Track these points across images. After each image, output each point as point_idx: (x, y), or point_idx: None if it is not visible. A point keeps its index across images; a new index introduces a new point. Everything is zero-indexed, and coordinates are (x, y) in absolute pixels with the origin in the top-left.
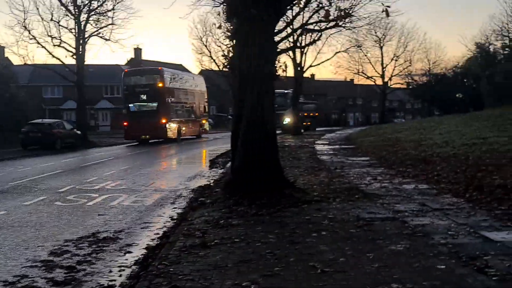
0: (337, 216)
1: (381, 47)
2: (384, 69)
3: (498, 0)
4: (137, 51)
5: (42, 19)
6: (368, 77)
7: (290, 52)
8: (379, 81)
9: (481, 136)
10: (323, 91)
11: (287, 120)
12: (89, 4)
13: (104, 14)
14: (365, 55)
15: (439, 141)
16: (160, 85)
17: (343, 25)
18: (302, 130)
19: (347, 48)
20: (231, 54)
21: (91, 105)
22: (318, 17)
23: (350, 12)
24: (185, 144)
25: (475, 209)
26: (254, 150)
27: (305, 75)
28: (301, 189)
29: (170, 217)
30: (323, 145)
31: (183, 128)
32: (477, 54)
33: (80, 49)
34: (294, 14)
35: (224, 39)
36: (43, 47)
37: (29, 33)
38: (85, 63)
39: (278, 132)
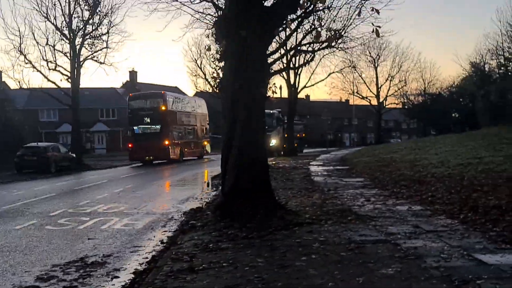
0: (328, 239)
1: (375, 67)
2: (379, 89)
3: (492, 20)
4: (132, 74)
5: (38, 43)
6: (363, 98)
7: (284, 73)
8: (374, 101)
9: (476, 156)
10: (318, 111)
11: (273, 141)
12: (84, 28)
13: (99, 37)
14: (360, 76)
15: (434, 161)
16: (163, 108)
17: (336, 45)
18: (282, 152)
19: (341, 69)
20: (221, 76)
21: (87, 128)
22: (311, 38)
23: (342, 33)
24: (184, 165)
25: (469, 230)
26: (244, 172)
27: (300, 96)
28: (293, 211)
29: (160, 241)
30: (317, 166)
31: (185, 150)
32: (472, 73)
33: (75, 73)
34: (287, 35)
35: (213, 61)
36: (38, 71)
37: (25, 57)
38: (80, 86)
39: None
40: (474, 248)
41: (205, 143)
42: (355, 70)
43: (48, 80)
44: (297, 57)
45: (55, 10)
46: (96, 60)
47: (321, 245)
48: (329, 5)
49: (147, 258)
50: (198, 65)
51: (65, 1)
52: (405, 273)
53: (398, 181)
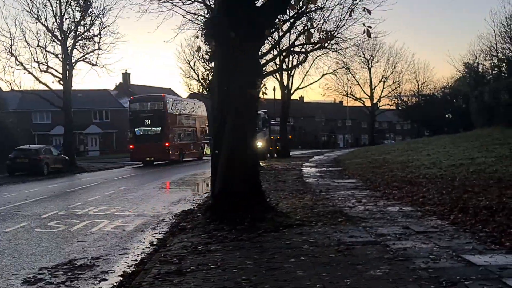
0: (318, 241)
1: (369, 69)
2: (372, 91)
3: (486, 20)
4: (125, 75)
5: (29, 45)
6: (356, 99)
7: (277, 75)
8: (368, 103)
9: (468, 157)
10: (312, 113)
11: (259, 144)
12: (75, 29)
13: (91, 39)
14: (353, 77)
15: (427, 162)
16: (163, 110)
17: (329, 46)
18: (275, 154)
19: (335, 70)
20: (211, 77)
21: (80, 130)
22: (304, 39)
23: (335, 34)
24: (182, 167)
25: (459, 231)
26: (234, 175)
27: (293, 97)
28: (283, 213)
29: (150, 243)
30: (310, 167)
31: (185, 151)
32: (465, 74)
33: (67, 74)
34: (279, 36)
35: (203, 62)
36: (30, 72)
37: (16, 59)
38: (73, 88)
39: None
40: (463, 249)
41: (205, 144)
42: (349, 71)
43: (40, 82)
44: (290, 58)
45: (46, 11)
46: (88, 62)
47: (311, 247)
48: (321, 6)
49: (136, 260)
50: (191, 67)
51: (56, 2)
52: (393, 275)
53: (390, 182)
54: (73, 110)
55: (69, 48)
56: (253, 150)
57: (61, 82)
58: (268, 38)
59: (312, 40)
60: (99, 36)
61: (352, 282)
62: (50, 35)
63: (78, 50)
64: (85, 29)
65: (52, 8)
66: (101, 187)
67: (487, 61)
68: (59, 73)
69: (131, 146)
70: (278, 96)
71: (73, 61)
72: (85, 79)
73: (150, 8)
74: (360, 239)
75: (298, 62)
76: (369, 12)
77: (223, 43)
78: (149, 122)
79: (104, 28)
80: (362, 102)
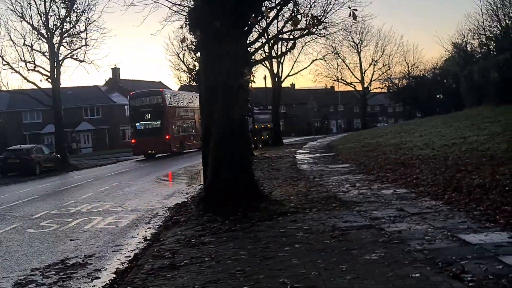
0: (312, 227)
1: (358, 53)
2: (363, 75)
3: None
4: (115, 70)
5: (15, 44)
6: (347, 83)
7: (267, 63)
8: (359, 87)
9: (461, 136)
10: (304, 99)
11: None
12: (61, 26)
13: (77, 35)
14: (343, 62)
15: (419, 144)
16: (162, 104)
17: (317, 32)
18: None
19: (324, 56)
20: (198, 67)
21: (71, 128)
22: (291, 25)
23: (322, 19)
24: (181, 158)
25: (453, 211)
26: (225, 165)
27: (284, 85)
28: (277, 201)
29: (143, 238)
30: (303, 154)
31: (186, 142)
32: (454, 54)
33: (55, 72)
34: (267, 24)
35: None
36: (17, 72)
37: (2, 59)
38: (62, 85)
39: None
40: (458, 229)
41: None
42: (338, 56)
43: (28, 81)
44: (279, 46)
45: (30, 9)
46: (75, 58)
47: (305, 234)
48: None
49: (129, 256)
50: (180, 59)
51: (41, 0)
52: (388, 258)
53: (383, 165)
54: (63, 107)
55: (56, 46)
56: (244, 139)
57: (50, 80)
58: (256, 26)
59: (299, 26)
60: (85, 32)
61: (347, 268)
62: (36, 33)
63: (65, 47)
64: (71, 26)
65: (37, 5)
66: (94, 184)
67: (476, 40)
68: (47, 71)
69: (132, 141)
70: (269, 84)
71: (60, 58)
72: (73, 76)
73: (135, 1)
74: (354, 224)
75: (287, 49)
76: None
77: (209, 33)
78: (149, 117)
79: (90, 23)
80: (353, 86)
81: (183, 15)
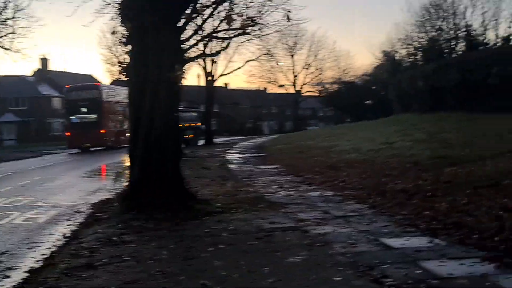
0: (238, 228)
1: (292, 56)
2: (295, 78)
3: (402, 10)
4: (44, 61)
5: None
6: (280, 86)
7: (201, 61)
8: (291, 90)
9: (387, 141)
10: (237, 100)
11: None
12: None
13: (4, 22)
14: (277, 64)
15: (348, 147)
16: (99, 99)
17: (252, 33)
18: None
19: (258, 57)
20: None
21: None
22: (227, 24)
23: (257, 20)
24: (114, 153)
25: (377, 215)
26: (153, 162)
27: (219, 84)
28: (204, 200)
29: (62, 235)
30: (234, 154)
31: (121, 137)
32: (384, 62)
33: None
34: (202, 21)
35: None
36: None
37: None
38: None
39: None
40: (381, 233)
41: None
42: (272, 58)
43: None
44: (214, 44)
45: None
46: (1, 47)
47: (230, 235)
48: None
49: (45, 254)
50: (112, 52)
51: None
52: (311, 261)
53: (311, 167)
54: None
55: None
56: (173, 136)
57: None
58: (191, 23)
59: (234, 25)
60: (13, 19)
61: (270, 270)
62: None
63: None
64: None
65: None
66: (14, 177)
67: (404, 49)
68: None
69: (67, 134)
70: (203, 82)
71: None
72: None
73: None
74: (280, 225)
75: (221, 48)
76: None
77: (140, 26)
78: (85, 110)
79: (18, 11)
80: (285, 89)
81: (116, 7)
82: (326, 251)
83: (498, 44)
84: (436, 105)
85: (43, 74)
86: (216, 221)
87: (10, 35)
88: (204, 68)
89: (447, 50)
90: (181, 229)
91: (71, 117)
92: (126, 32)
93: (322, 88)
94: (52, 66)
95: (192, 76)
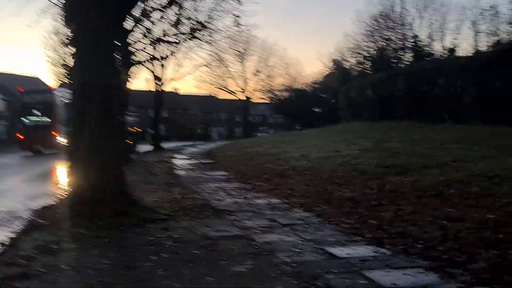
0: (182, 236)
1: (243, 62)
2: (246, 84)
3: (352, 20)
4: None
5: None
6: (230, 92)
7: (150, 65)
8: (241, 96)
9: (335, 150)
10: (187, 105)
11: (61, 139)
12: None
13: None
14: (228, 70)
15: (296, 155)
16: (52, 103)
17: (201, 37)
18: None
19: (208, 63)
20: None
21: None
22: (177, 29)
23: (207, 25)
24: (64, 157)
25: (323, 223)
26: (96, 167)
27: (168, 89)
28: (149, 207)
29: None
30: (182, 160)
31: None
32: (334, 71)
33: None
34: (151, 24)
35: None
36: None
37: None
38: None
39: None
40: (327, 241)
41: None
42: (223, 64)
43: None
44: (163, 48)
45: None
46: None
47: (174, 243)
48: None
49: None
50: (59, 55)
51: None
52: (256, 271)
53: (260, 174)
54: None
55: None
56: (117, 140)
57: None
58: (140, 25)
59: (183, 29)
60: None
61: (213, 280)
62: None
63: None
64: None
65: None
66: None
67: (354, 59)
68: None
69: (21, 137)
70: (153, 87)
71: None
72: None
73: None
74: (226, 234)
75: (171, 52)
76: (239, 1)
77: (85, 27)
78: (39, 113)
79: None
80: (235, 95)
81: (60, 7)
82: (271, 260)
83: (444, 56)
84: (384, 114)
85: None
86: (160, 229)
87: None
88: (153, 72)
89: (395, 60)
90: (124, 237)
91: (24, 120)
92: (71, 34)
93: (273, 95)
94: None
95: (142, 80)
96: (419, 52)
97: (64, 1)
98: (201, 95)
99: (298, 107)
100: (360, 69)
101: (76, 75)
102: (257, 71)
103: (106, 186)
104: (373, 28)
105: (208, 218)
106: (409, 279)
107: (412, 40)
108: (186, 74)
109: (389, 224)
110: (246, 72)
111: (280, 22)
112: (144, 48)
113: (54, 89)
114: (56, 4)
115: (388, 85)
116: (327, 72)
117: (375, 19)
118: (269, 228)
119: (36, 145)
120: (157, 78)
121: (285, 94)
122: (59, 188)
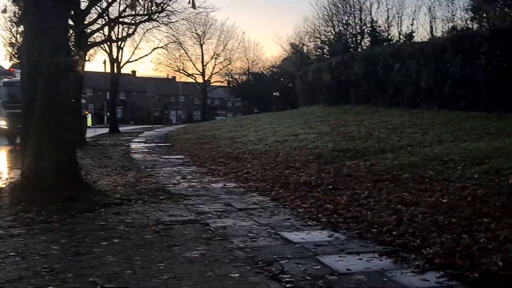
0: (135, 221)
1: (201, 45)
2: (204, 67)
3: (311, 3)
4: None
5: None
6: (188, 75)
7: (106, 47)
8: (200, 79)
9: (292, 133)
10: (144, 88)
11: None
12: None
13: None
14: (186, 53)
15: (253, 138)
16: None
17: (158, 19)
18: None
19: (166, 45)
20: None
21: None
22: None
23: (164, 6)
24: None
25: (279, 207)
26: (46, 149)
27: (125, 71)
28: (102, 191)
29: None
30: (139, 143)
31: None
32: (292, 55)
33: None
34: (107, 4)
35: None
36: None
37: None
38: None
39: None
40: (282, 226)
41: None
42: (181, 46)
43: None
44: (119, 30)
45: None
46: None
47: (126, 228)
48: None
49: None
50: (13, 34)
51: None
52: (209, 256)
53: (216, 158)
54: None
55: None
56: (67, 123)
57: None
58: (96, 7)
59: (139, 11)
60: None
61: (165, 266)
62: None
63: None
64: None
65: None
66: None
67: (312, 43)
68: None
69: None
70: (109, 69)
71: None
72: None
73: None
74: (179, 218)
75: (127, 34)
76: None
77: (33, 4)
78: None
79: None
80: (194, 78)
81: None
82: (225, 246)
83: (401, 41)
84: (341, 98)
85: None
86: (112, 213)
87: None
88: (110, 54)
89: (353, 45)
90: (75, 222)
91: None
92: (19, 12)
93: (231, 79)
94: None
95: (100, 62)
96: (377, 37)
97: None
98: (159, 77)
99: (257, 91)
100: (318, 53)
101: (25, 55)
102: (216, 54)
103: (57, 170)
104: (332, 13)
105: (162, 202)
106: (363, 264)
107: (370, 25)
108: (143, 56)
109: (344, 209)
110: (205, 55)
111: (239, 5)
112: (100, 29)
113: (14, 71)
114: None
115: (345, 69)
116: (285, 56)
117: (334, 4)
118: (224, 212)
119: None
120: (113, 60)
121: (244, 77)
122: (10, 170)
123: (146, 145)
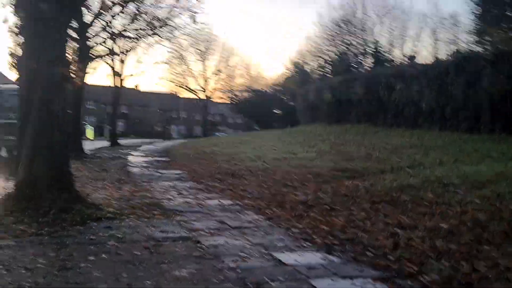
0: (126, 236)
1: (203, 61)
2: (206, 83)
3: (314, 23)
4: None
5: None
6: (190, 90)
7: (110, 60)
8: (202, 95)
9: (292, 151)
10: (147, 102)
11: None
12: None
13: None
14: (188, 68)
15: (252, 155)
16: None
17: (161, 34)
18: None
19: (169, 60)
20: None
21: None
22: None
23: (167, 21)
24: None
25: (273, 227)
26: (41, 160)
27: (129, 85)
28: (95, 204)
29: None
30: (138, 157)
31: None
32: (294, 73)
33: None
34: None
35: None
36: None
37: None
38: None
39: None
40: (275, 246)
41: None
42: (183, 62)
43: None
44: (123, 43)
45: None
46: None
47: (117, 243)
48: None
49: None
50: (19, 44)
51: None
52: (198, 276)
53: (213, 174)
54: None
55: None
56: (62, 134)
57: None
58: (99, 19)
59: (143, 25)
60: None
61: (152, 284)
62: None
63: None
64: None
65: None
66: None
67: (314, 62)
68: None
69: None
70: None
71: None
72: None
73: None
74: (171, 235)
75: (131, 48)
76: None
77: (33, 15)
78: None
79: None
80: (196, 94)
81: None
82: (215, 265)
83: (403, 62)
84: (342, 117)
85: None
86: (103, 228)
87: None
88: (113, 67)
89: (356, 65)
90: (65, 235)
91: None
92: (19, 22)
93: (233, 95)
94: None
95: (103, 75)
96: (379, 57)
97: None
98: (161, 92)
99: (258, 108)
100: (320, 72)
101: (24, 65)
102: (218, 71)
103: (50, 182)
104: (335, 33)
105: (155, 217)
106: None
107: (372, 46)
108: (146, 70)
109: (340, 230)
110: (207, 71)
111: (243, 23)
112: (104, 42)
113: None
114: None
115: (346, 89)
116: (288, 75)
117: (337, 24)
118: (217, 230)
119: None
120: (116, 73)
121: (245, 94)
122: (5, 181)
123: (145, 159)
